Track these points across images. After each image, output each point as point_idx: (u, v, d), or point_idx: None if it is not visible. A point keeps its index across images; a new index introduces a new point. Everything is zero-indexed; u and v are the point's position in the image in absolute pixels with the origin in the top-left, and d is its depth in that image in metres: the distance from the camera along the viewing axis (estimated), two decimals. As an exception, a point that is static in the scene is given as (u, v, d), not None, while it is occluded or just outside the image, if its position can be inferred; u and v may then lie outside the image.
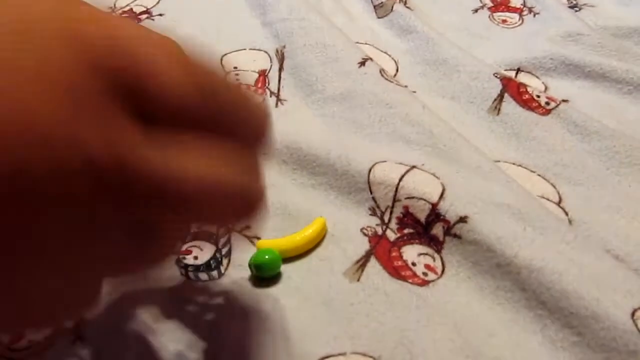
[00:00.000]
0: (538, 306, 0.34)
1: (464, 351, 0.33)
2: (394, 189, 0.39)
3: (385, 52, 0.56)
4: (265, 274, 0.36)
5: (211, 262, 0.37)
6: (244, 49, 0.56)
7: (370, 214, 0.40)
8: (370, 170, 0.40)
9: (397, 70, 0.54)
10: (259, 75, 0.52)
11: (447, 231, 0.38)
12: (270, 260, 0.35)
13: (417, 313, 0.34)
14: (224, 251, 0.38)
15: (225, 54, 0.55)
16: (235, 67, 0.53)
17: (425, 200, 0.38)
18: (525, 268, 0.34)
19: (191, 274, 0.36)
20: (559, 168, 0.44)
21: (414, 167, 0.41)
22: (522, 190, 0.40)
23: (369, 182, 0.40)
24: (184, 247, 0.38)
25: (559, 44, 0.54)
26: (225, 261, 0.37)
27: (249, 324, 0.33)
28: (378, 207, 0.40)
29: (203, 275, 0.36)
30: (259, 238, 0.38)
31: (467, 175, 0.40)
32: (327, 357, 0.32)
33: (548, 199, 0.41)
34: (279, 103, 0.49)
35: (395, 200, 0.39)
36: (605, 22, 0.58)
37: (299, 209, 0.40)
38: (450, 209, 0.38)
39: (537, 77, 0.53)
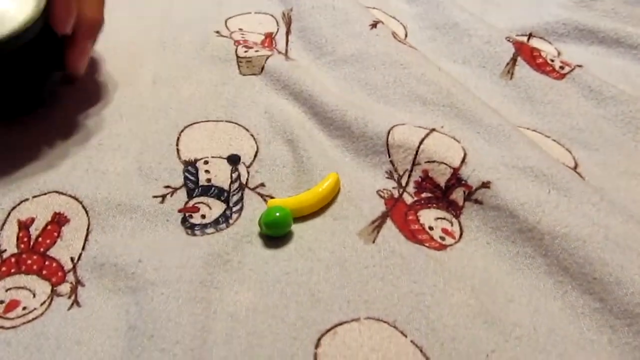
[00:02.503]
0: (559, 272, 0.32)
1: (481, 316, 0.30)
2: (414, 152, 0.37)
3: (393, 17, 0.54)
4: (275, 232, 0.33)
5: (220, 219, 0.35)
6: (250, 13, 0.53)
7: (387, 177, 0.37)
8: (388, 133, 0.38)
9: (405, 36, 0.52)
10: (265, 38, 0.50)
11: (468, 196, 0.35)
12: (281, 218, 0.33)
13: (433, 277, 0.32)
14: (234, 209, 0.35)
15: (230, 17, 0.52)
16: (241, 29, 0.50)
17: (446, 164, 0.36)
18: (548, 234, 0.32)
19: (197, 232, 0.34)
20: (574, 133, 0.42)
21: (433, 130, 0.38)
22: (543, 151, 0.37)
23: (387, 145, 0.38)
24: (191, 204, 0.35)
25: (572, 10, 0.51)
26: (235, 216, 0.35)
27: (258, 287, 0.31)
28: (396, 170, 0.37)
29: (210, 229, 0.34)
30: (272, 197, 0.36)
31: (488, 137, 0.38)
32: (341, 324, 0.29)
33: (564, 164, 0.39)
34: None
35: (414, 163, 0.37)
36: (618, -12, 0.56)
37: (313, 165, 0.37)
38: (473, 174, 0.35)
39: (550, 42, 0.50)
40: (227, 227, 0.34)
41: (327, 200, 0.35)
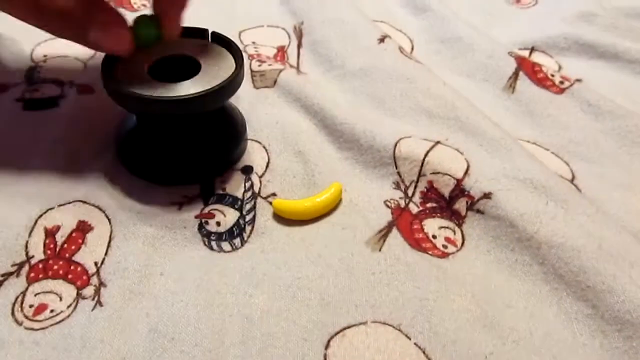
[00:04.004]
0: (555, 280, 0.34)
1: (481, 321, 0.32)
2: (420, 164, 0.39)
3: (400, 31, 0.56)
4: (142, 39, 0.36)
5: (234, 229, 0.36)
6: (262, 26, 0.55)
7: (394, 188, 0.39)
8: (395, 146, 0.40)
9: (412, 49, 0.54)
10: (277, 51, 0.52)
11: (470, 206, 0.37)
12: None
13: (436, 284, 0.34)
14: (247, 218, 0.37)
15: (243, 30, 0.54)
16: (254, 42, 0.53)
17: (450, 175, 0.38)
18: (545, 243, 0.34)
19: (214, 244, 0.36)
20: (572, 146, 0.43)
21: (438, 142, 0.40)
22: (542, 164, 0.39)
23: (394, 157, 0.39)
24: (207, 210, 0.37)
25: (573, 24, 0.53)
26: (248, 228, 0.37)
27: (272, 291, 0.33)
28: (402, 181, 0.39)
29: (226, 245, 0.36)
30: (274, 194, 0.39)
31: (490, 149, 0.39)
32: (349, 326, 0.31)
33: (561, 177, 0.41)
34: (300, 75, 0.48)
35: (420, 175, 0.39)
36: (618, 3, 0.57)
37: (324, 179, 0.39)
38: (475, 185, 0.37)
39: (551, 56, 0.52)
40: (242, 244, 0.36)
41: (330, 207, 0.38)
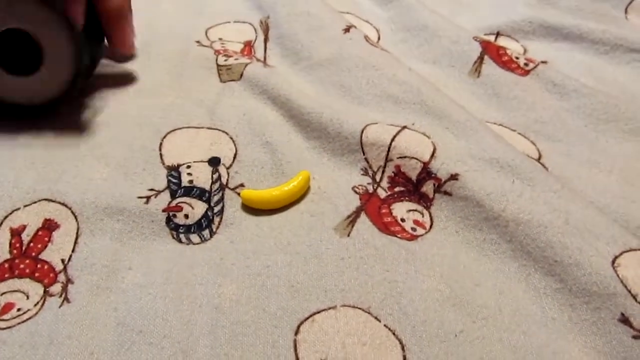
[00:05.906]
0: (523, 257, 0.34)
1: (450, 300, 0.32)
2: (387, 149, 0.39)
3: (366, 21, 0.56)
4: None
5: (202, 220, 0.36)
6: (229, 22, 0.55)
7: (362, 174, 0.39)
8: (362, 132, 0.40)
9: (378, 38, 0.54)
10: (245, 46, 0.51)
11: (438, 189, 0.37)
12: None
13: (405, 266, 0.34)
14: (216, 209, 0.37)
15: (210, 27, 0.54)
16: (221, 38, 0.52)
17: (417, 159, 0.38)
18: (512, 221, 0.34)
19: (182, 236, 0.35)
20: (538, 126, 0.44)
21: (405, 127, 0.40)
22: (508, 143, 0.39)
23: (361, 144, 0.39)
24: (175, 203, 0.37)
25: (537, 8, 0.54)
26: (217, 220, 0.36)
27: (241, 280, 0.33)
28: (370, 167, 0.39)
29: (194, 237, 0.35)
30: (242, 185, 0.38)
31: (456, 132, 0.39)
32: (318, 312, 0.31)
33: (528, 155, 0.41)
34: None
35: (387, 160, 0.39)
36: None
37: (292, 169, 0.39)
38: (442, 167, 0.37)
39: (516, 40, 0.52)
40: (211, 235, 0.36)
41: (298, 195, 0.37)
